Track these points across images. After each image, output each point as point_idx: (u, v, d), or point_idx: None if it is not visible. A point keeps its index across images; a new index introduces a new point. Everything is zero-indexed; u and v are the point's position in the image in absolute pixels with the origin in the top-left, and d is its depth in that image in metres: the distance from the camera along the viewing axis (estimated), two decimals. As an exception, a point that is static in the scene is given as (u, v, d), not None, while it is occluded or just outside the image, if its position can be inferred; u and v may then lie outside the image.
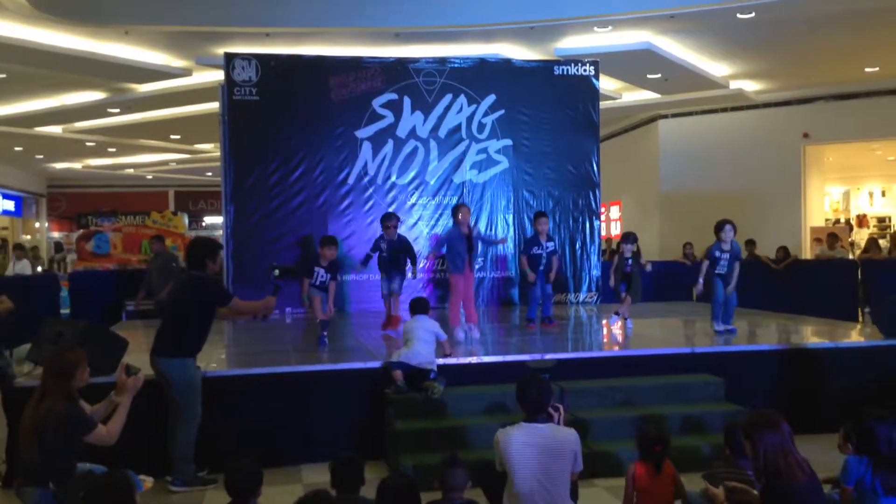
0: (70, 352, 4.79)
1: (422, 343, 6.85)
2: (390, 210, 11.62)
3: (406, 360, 6.75)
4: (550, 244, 9.71)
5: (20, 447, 4.49)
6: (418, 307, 7.31)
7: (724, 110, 17.97)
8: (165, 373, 6.06)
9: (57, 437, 4.40)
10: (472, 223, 11.80)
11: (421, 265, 11.48)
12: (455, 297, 8.98)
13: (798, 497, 3.78)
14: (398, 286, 9.68)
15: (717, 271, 8.79)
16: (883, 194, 23.74)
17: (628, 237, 9.42)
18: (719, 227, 8.81)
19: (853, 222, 22.53)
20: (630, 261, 9.20)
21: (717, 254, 8.77)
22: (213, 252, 6.34)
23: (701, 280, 8.94)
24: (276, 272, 6.61)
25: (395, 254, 9.55)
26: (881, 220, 23.13)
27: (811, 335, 9.15)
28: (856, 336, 9.05)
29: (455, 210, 9.13)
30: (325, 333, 8.33)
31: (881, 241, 15.59)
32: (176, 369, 6.06)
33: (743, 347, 7.94)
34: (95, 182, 30.11)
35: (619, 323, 9.34)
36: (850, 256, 15.22)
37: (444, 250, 9.24)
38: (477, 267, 12.05)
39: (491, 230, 12.30)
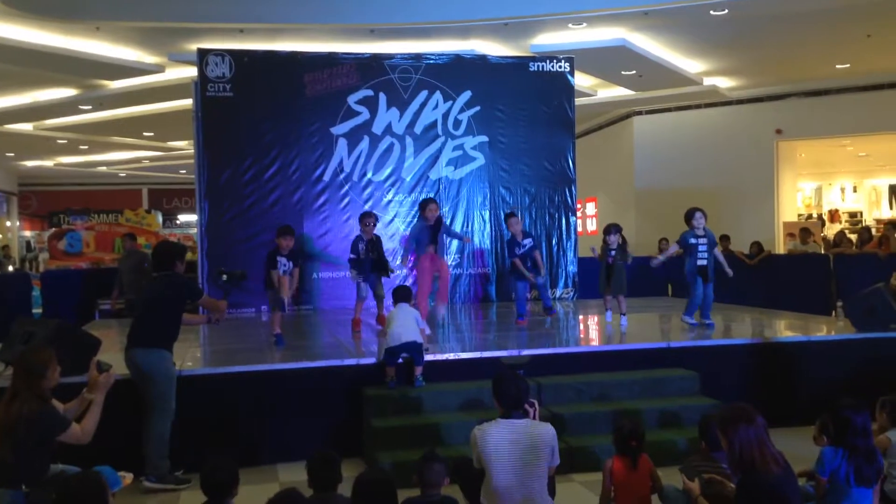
0: (40, 351, 4.73)
1: (406, 326, 6.87)
2: (366, 207, 11.60)
3: (394, 343, 6.73)
4: (528, 241, 9.77)
5: None
6: (401, 295, 7.35)
7: (698, 107, 18.12)
8: (142, 364, 6.01)
9: (29, 438, 4.34)
10: (448, 220, 11.85)
11: (398, 263, 11.46)
12: (423, 286, 9.17)
13: (773, 489, 3.81)
14: (382, 289, 9.39)
15: (698, 262, 8.75)
16: (854, 190, 24.05)
17: (612, 228, 9.26)
18: (689, 215, 8.82)
19: (825, 217, 22.80)
20: (614, 252, 9.12)
21: (692, 240, 8.74)
22: (181, 254, 6.49)
23: (661, 258, 9.28)
24: (224, 277, 6.61)
25: (372, 255, 9.32)
26: (853, 215, 23.43)
27: (785, 329, 9.24)
28: (828, 330, 9.15)
29: (423, 204, 9.28)
30: (279, 332, 8.31)
31: (851, 236, 15.75)
32: (154, 360, 6.03)
33: (718, 342, 7.99)
34: (67, 180, 29.74)
35: (613, 319, 9.27)
36: (823, 251, 15.37)
37: (411, 246, 9.26)
38: (453, 263, 12.09)
39: (467, 227, 12.32)
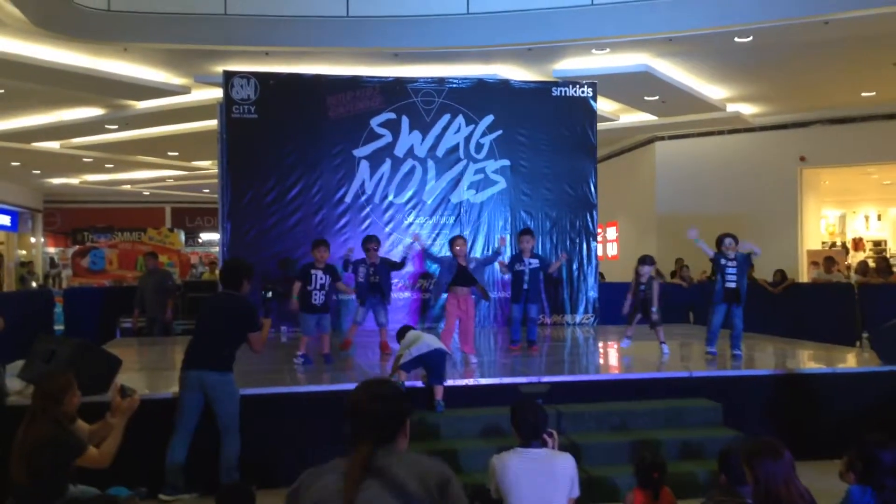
0: (59, 375, 4.74)
1: (432, 339, 6.86)
2: (387, 230, 11.63)
3: (417, 352, 6.67)
4: (534, 261, 9.50)
5: (10, 470, 4.44)
6: (405, 330, 7.35)
7: (720, 133, 18.04)
8: (211, 389, 6.12)
9: (44, 461, 4.35)
10: (469, 244, 11.78)
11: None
12: (447, 327, 8.87)
13: (799, 527, 3.73)
14: (384, 317, 9.31)
15: (727, 284, 8.65)
16: (879, 218, 23.80)
17: (646, 259, 9.13)
18: (719, 241, 8.81)
19: (849, 245, 22.57)
20: (644, 286, 8.95)
21: (722, 261, 8.71)
22: (249, 272, 6.54)
23: (698, 238, 8.84)
24: (269, 294, 6.62)
25: (373, 280, 9.20)
26: (877, 243, 23.17)
27: (809, 360, 9.11)
28: (853, 361, 9.01)
29: (451, 242, 9.14)
30: (328, 352, 8.39)
31: (870, 263, 15.58)
32: (223, 385, 6.16)
33: (740, 372, 7.89)
34: (91, 198, 30.02)
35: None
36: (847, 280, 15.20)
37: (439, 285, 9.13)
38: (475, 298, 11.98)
39: (488, 251, 12.28)
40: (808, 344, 10.24)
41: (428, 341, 6.78)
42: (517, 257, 9.60)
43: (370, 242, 9.40)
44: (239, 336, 6.26)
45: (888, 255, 20.04)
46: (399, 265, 9.73)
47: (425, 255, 10.49)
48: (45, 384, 4.64)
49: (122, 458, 5.04)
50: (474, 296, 9.07)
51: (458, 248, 8.88)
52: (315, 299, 8.54)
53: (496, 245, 11.12)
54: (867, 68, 13.51)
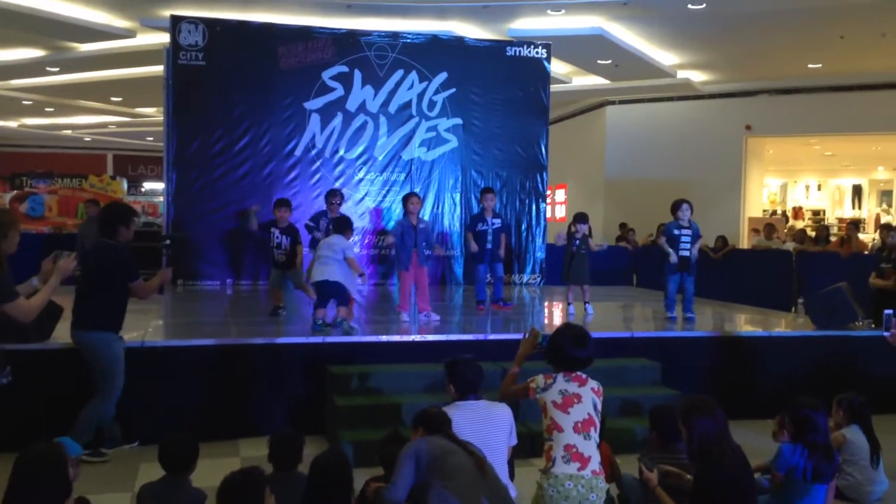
0: (3, 212, 4.57)
1: (330, 263, 7.39)
2: (337, 185, 11.54)
3: (317, 279, 7.41)
4: (497, 221, 9.47)
5: None
6: (338, 226, 7.80)
7: (670, 99, 18.21)
8: (84, 347, 5.84)
9: None
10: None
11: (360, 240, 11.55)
12: (404, 288, 8.62)
13: (730, 483, 3.87)
14: None
15: (680, 252, 8.76)
16: (819, 188, 24.46)
17: (581, 217, 9.25)
18: (676, 206, 8.87)
19: (789, 214, 23.15)
20: (578, 241, 9.12)
21: (676, 231, 8.79)
22: (126, 218, 6.00)
23: (671, 251, 8.74)
24: (168, 241, 6.44)
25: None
26: (816, 213, 23.83)
27: (746, 323, 9.38)
28: (788, 326, 9.31)
29: (405, 200, 8.81)
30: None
31: (811, 233, 16.00)
32: (94, 344, 5.81)
33: (680, 333, 8.10)
34: (30, 142, 29.11)
35: (577, 308, 9.26)
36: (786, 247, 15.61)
37: (392, 240, 8.92)
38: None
39: (437, 209, 12.29)
40: (746, 308, 10.53)
41: (319, 271, 7.46)
42: (479, 216, 9.54)
43: (334, 196, 9.35)
44: (111, 287, 5.79)
45: (827, 225, 20.61)
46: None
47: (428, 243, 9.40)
48: None
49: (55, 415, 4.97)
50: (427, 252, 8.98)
51: (411, 206, 8.63)
52: (276, 256, 8.49)
53: (436, 250, 10.25)
54: (815, 40, 13.73)
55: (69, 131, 27.16)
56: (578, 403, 3.99)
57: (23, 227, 16.83)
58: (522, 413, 6.04)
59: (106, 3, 12.53)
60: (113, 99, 20.63)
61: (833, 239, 15.11)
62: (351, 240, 7.98)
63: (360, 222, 11.63)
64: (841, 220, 22.21)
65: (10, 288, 4.39)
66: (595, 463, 3.89)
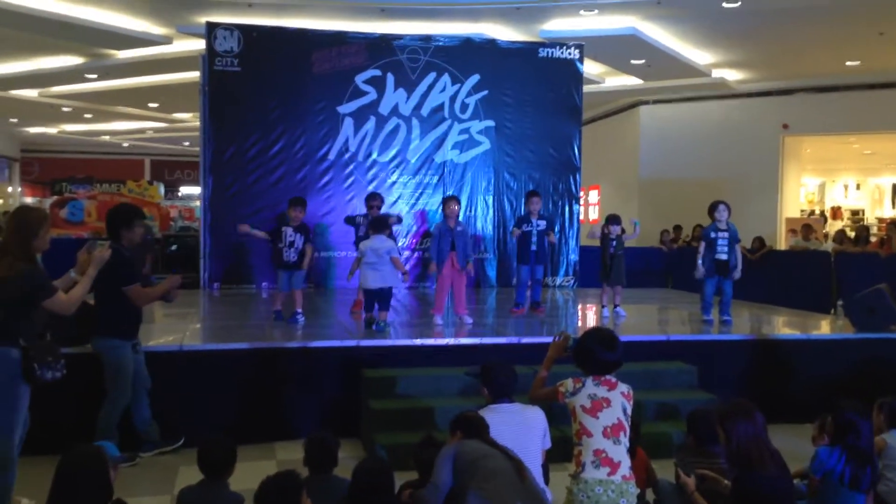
0: (35, 209, 4.66)
1: (379, 268, 7.65)
2: (370, 188, 11.59)
3: (373, 286, 7.67)
4: (542, 223, 9.44)
5: None
6: (377, 226, 7.93)
7: (705, 98, 18.03)
8: (97, 353, 5.86)
9: (16, 295, 4.30)
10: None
11: (402, 244, 11.58)
12: (440, 290, 8.60)
13: (768, 488, 3.81)
14: None
15: (716, 256, 8.65)
16: (858, 187, 24.03)
17: (615, 218, 9.21)
18: (713, 208, 8.74)
19: (827, 214, 22.78)
20: (615, 243, 9.09)
21: (713, 235, 8.68)
22: (127, 220, 5.83)
23: (700, 262, 8.70)
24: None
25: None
26: (854, 212, 23.41)
27: (783, 326, 9.25)
28: (827, 328, 9.16)
29: (444, 203, 8.80)
30: (300, 311, 8.29)
31: (851, 234, 15.75)
32: (101, 350, 5.82)
33: (716, 336, 8.01)
34: (70, 148, 29.66)
35: (609, 310, 9.25)
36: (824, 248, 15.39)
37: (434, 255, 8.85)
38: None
39: (470, 211, 12.30)
40: (783, 310, 10.39)
41: (364, 275, 7.82)
42: (525, 218, 9.53)
43: (374, 199, 9.46)
44: (110, 292, 5.62)
45: (866, 224, 20.26)
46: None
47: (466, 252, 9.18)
48: (21, 216, 4.52)
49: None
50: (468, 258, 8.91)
51: (449, 209, 8.59)
52: (286, 256, 8.48)
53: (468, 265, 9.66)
54: (852, 37, 13.52)
55: (107, 137, 27.61)
56: (608, 408, 3.97)
57: (63, 233, 17.17)
58: (555, 417, 6.03)
59: (143, 10, 12.73)
60: (150, 105, 20.94)
61: (873, 239, 14.85)
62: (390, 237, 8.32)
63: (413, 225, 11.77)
64: (881, 220, 21.78)
65: (47, 283, 4.45)
66: (625, 468, 3.87)
